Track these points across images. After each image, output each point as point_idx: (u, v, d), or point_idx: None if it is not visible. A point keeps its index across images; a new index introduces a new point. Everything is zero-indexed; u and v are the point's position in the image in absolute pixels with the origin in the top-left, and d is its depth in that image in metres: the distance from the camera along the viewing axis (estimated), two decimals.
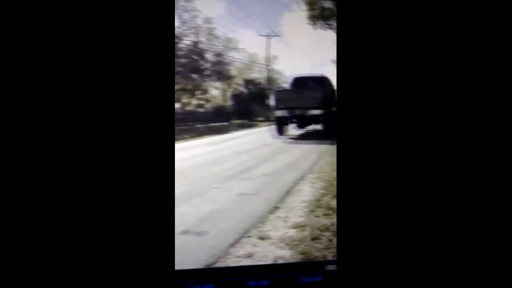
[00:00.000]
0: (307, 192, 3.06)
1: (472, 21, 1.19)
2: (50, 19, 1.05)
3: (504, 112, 1.20)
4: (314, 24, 4.04)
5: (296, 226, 2.28)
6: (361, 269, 1.30)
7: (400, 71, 1.25)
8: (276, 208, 2.63)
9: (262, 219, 2.40)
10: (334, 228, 2.21)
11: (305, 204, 2.72)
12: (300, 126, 2.88)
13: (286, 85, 2.78)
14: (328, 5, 3.61)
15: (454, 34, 1.21)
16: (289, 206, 2.68)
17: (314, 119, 2.72)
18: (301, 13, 3.73)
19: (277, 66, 3.97)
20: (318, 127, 2.77)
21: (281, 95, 2.78)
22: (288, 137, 2.96)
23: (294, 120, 2.81)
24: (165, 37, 1.15)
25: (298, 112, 2.71)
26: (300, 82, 2.77)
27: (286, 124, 2.87)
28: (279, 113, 2.77)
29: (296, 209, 2.61)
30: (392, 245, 1.28)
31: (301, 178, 3.62)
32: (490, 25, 1.19)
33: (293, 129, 2.99)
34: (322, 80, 2.65)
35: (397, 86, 1.26)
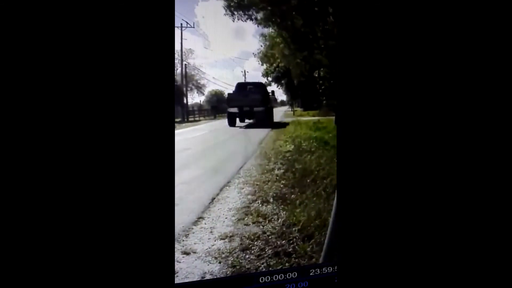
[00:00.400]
0: (234, 198, 2.93)
1: (472, 21, 1.21)
2: (50, 20, 1.06)
3: (504, 112, 1.23)
4: (232, 14, 3.97)
5: (223, 237, 2.12)
6: (361, 271, 1.26)
7: (400, 71, 1.26)
8: (200, 218, 2.45)
9: (185, 232, 2.21)
10: (265, 236, 2.12)
11: (232, 212, 2.58)
12: (243, 120, 3.93)
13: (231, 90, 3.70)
14: None
15: (454, 34, 1.22)
16: (214, 216, 2.53)
17: (258, 114, 3.73)
18: (218, 2, 3.64)
19: (193, 60, 3.78)
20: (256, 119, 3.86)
21: (232, 96, 3.69)
22: (239, 127, 3.91)
23: (239, 115, 3.77)
24: (165, 36, 1.17)
25: (246, 109, 3.69)
26: (244, 87, 3.72)
27: (235, 118, 3.85)
28: (232, 110, 3.73)
29: (223, 218, 2.45)
30: (392, 247, 1.26)
31: (227, 184, 3.55)
32: (490, 25, 1.20)
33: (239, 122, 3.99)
34: (260, 85, 3.80)
35: (397, 85, 1.26)
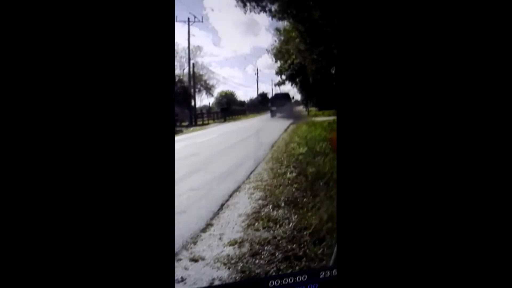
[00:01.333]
0: (244, 204, 3.06)
1: (472, 21, 1.28)
2: (51, 21, 1.12)
3: (503, 112, 1.30)
4: (244, 6, 4.01)
5: (233, 243, 2.25)
6: (361, 274, 1.35)
7: (400, 71, 1.33)
8: (209, 225, 2.59)
9: (193, 239, 2.34)
10: (276, 241, 2.23)
11: (242, 218, 2.71)
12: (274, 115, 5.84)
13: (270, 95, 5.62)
14: None
15: (454, 35, 1.30)
16: (224, 222, 2.66)
17: (287, 111, 5.88)
18: None
19: (201, 59, 3.73)
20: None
21: (274, 100, 5.64)
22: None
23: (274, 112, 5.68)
24: (165, 37, 1.21)
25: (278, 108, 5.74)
26: (279, 95, 5.71)
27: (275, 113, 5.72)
28: (273, 108, 5.63)
29: (232, 224, 2.58)
30: (393, 250, 1.34)
31: (237, 189, 3.68)
32: (490, 25, 1.27)
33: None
34: (287, 95, 5.72)
35: (397, 85, 1.33)
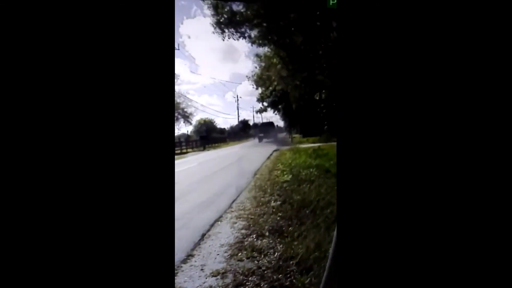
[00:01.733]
0: (226, 234, 3.04)
1: (472, 21, 1.32)
2: (51, 23, 1.16)
3: (502, 112, 1.32)
4: (222, 33, 4.08)
5: (215, 273, 2.22)
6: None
7: (400, 74, 1.34)
8: (190, 256, 2.55)
9: (174, 270, 2.29)
10: (261, 271, 2.21)
11: (225, 248, 2.69)
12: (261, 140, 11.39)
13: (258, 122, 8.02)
14: (239, 8, 3.62)
15: (453, 36, 1.33)
16: (205, 253, 2.63)
17: (271, 136, 9.22)
18: (206, 19, 3.65)
19: (178, 87, 3.83)
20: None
21: (260, 127, 8.95)
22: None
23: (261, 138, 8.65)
24: (165, 39, 1.25)
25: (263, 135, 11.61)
26: (264, 124, 9.21)
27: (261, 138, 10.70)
28: (260, 135, 10.75)
29: (215, 255, 2.55)
30: (394, 279, 1.34)
31: (218, 219, 3.63)
32: (490, 26, 1.31)
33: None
34: (271, 123, 9.49)
35: (397, 88, 1.35)
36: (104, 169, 1.21)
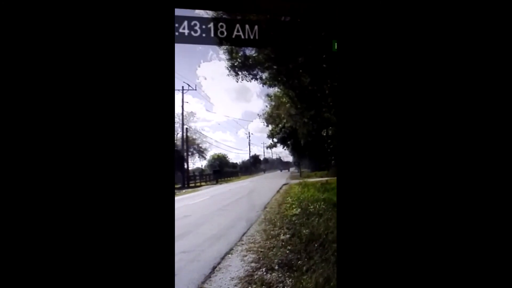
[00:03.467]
0: (236, 267, 2.96)
1: (472, 21, 1.31)
2: (53, 25, 1.16)
3: (501, 112, 1.30)
4: (236, 75, 4.15)
5: None
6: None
7: (400, 78, 1.33)
8: None
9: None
10: None
11: (235, 281, 2.61)
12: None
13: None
14: (251, 52, 3.72)
15: (453, 38, 1.33)
16: (216, 285, 2.56)
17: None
18: (221, 62, 3.79)
19: (194, 124, 3.92)
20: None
21: (278, 162, 6.13)
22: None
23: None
24: (165, 42, 1.27)
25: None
26: (279, 160, 6.35)
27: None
28: (281, 167, 6.43)
29: None
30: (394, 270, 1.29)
31: (229, 252, 3.57)
32: (490, 26, 1.30)
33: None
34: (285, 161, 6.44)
35: (397, 91, 1.34)
36: (105, 171, 1.20)
